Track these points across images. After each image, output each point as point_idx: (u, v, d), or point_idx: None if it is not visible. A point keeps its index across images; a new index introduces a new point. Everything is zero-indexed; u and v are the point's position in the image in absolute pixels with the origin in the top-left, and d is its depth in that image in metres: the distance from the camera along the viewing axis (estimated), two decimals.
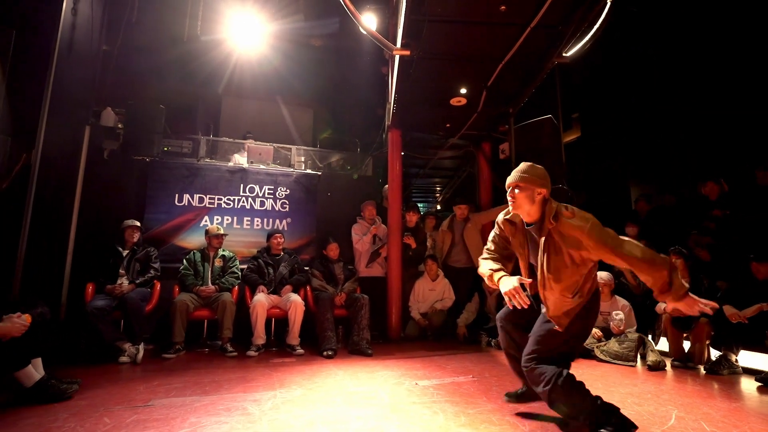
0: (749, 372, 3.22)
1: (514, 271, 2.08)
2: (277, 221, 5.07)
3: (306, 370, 3.21)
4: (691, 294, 1.68)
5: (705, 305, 1.64)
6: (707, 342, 3.49)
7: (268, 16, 5.81)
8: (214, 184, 4.88)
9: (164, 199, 4.63)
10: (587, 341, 3.56)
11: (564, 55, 3.60)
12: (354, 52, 6.51)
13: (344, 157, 5.91)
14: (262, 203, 5.06)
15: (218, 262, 4.21)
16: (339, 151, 6.00)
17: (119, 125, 4.63)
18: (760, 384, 2.91)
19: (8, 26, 3.11)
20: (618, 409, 1.83)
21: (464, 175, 7.72)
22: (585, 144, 7.07)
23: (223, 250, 4.32)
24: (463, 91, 4.20)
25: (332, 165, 5.82)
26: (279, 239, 4.41)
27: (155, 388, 2.65)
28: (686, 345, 3.59)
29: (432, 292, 4.75)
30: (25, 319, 2.29)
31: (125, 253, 3.87)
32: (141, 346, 3.45)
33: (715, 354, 3.44)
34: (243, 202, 4.97)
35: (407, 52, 3.59)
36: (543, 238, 1.84)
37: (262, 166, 5.16)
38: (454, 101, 4.39)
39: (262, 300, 3.89)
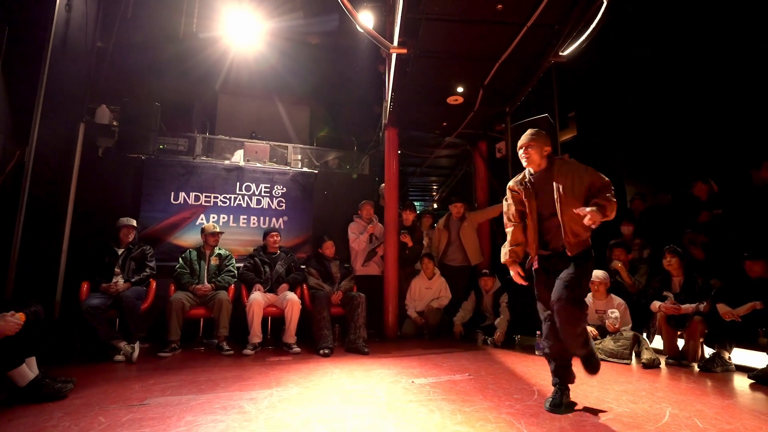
0: (742, 369, 3.25)
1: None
2: (274, 220, 5.06)
3: (302, 368, 3.21)
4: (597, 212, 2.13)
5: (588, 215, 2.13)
6: (701, 340, 3.52)
7: (265, 13, 5.76)
8: (211, 183, 4.86)
9: (160, 197, 4.61)
10: None
11: (560, 54, 3.62)
12: (351, 50, 6.48)
13: (341, 155, 5.89)
14: (259, 201, 5.04)
15: (214, 261, 4.20)
16: (336, 149, 5.97)
17: (114, 122, 4.59)
18: (752, 381, 2.93)
19: (1, 21, 3.07)
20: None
21: (461, 174, 7.74)
22: (581, 143, 7.07)
23: (219, 249, 4.30)
24: (460, 89, 4.20)
25: (329, 163, 5.79)
26: (275, 238, 4.40)
27: (151, 387, 2.64)
28: (680, 343, 3.62)
29: (428, 291, 4.76)
30: (19, 317, 2.27)
31: (120, 251, 3.85)
32: (136, 345, 3.44)
33: (708, 352, 3.46)
34: (239, 200, 4.95)
35: (404, 51, 3.59)
36: (554, 174, 2.37)
37: (258, 165, 5.14)
38: (451, 100, 4.39)
39: (258, 298, 3.89)
